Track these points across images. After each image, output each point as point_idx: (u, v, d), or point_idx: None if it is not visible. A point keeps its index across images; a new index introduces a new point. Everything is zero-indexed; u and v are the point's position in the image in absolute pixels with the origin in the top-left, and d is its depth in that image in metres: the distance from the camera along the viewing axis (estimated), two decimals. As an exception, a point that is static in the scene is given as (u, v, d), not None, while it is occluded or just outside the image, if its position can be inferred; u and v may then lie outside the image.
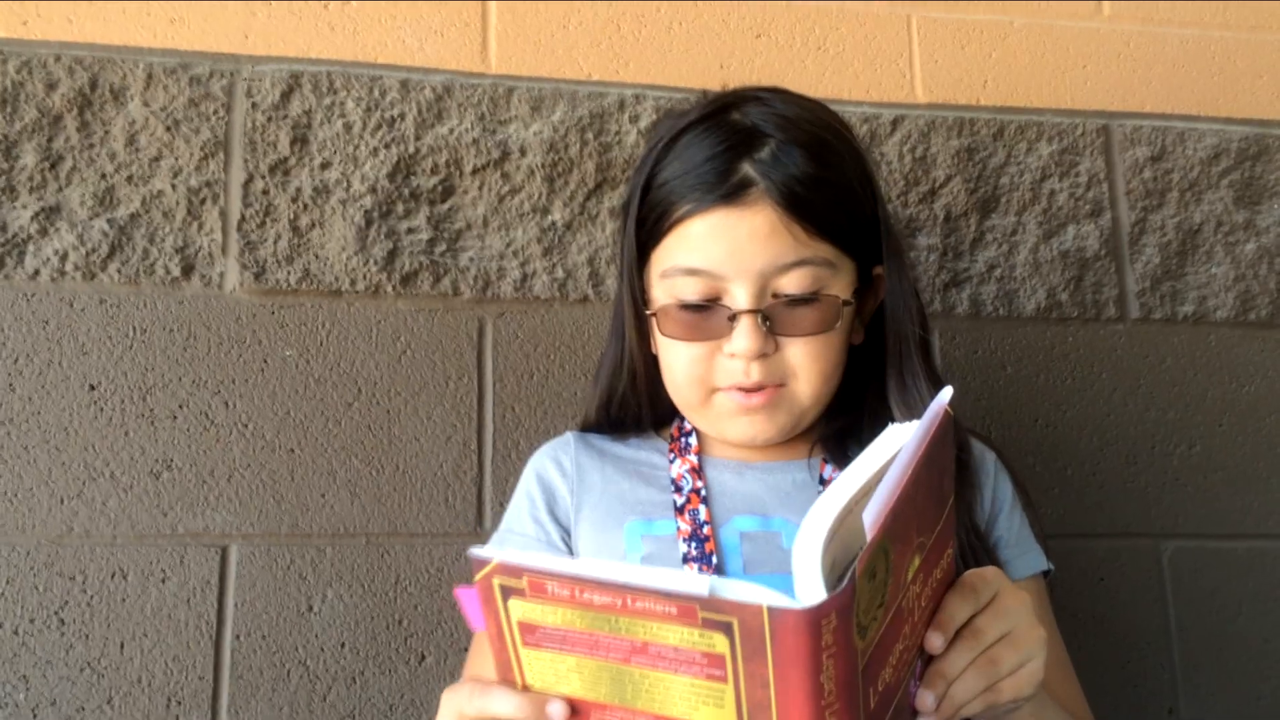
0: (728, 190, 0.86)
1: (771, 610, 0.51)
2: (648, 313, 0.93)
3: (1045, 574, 0.97)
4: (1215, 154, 1.34)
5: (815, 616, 0.51)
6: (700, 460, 0.95)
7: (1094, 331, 1.28)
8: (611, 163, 1.21)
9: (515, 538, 0.95)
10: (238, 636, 1.05)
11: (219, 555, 1.06)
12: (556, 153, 1.20)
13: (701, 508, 0.91)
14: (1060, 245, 1.29)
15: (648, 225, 0.91)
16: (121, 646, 1.03)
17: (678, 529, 0.90)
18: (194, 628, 1.04)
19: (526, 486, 0.98)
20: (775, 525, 0.90)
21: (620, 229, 0.99)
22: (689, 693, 0.55)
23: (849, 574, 0.52)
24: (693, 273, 0.88)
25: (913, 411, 0.91)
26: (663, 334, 0.91)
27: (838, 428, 0.95)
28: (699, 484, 0.93)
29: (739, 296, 0.87)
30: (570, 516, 0.95)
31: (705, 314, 0.89)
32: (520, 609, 0.56)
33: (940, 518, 0.63)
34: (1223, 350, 1.30)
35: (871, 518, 0.55)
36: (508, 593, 0.56)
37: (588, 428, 1.02)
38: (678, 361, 0.91)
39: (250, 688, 1.04)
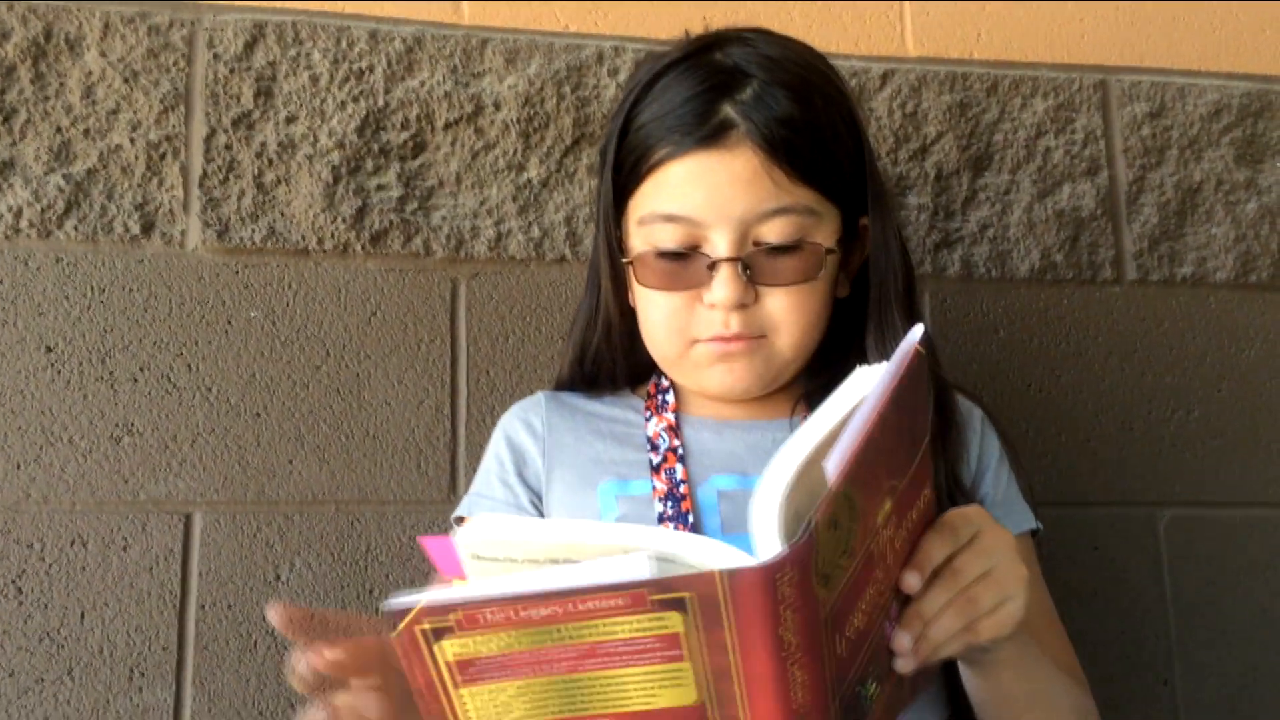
0: (707, 132, 0.86)
1: (726, 574, 0.52)
2: (624, 261, 0.93)
3: (1034, 533, 0.98)
4: (1216, 110, 1.35)
5: (769, 573, 0.52)
6: (678, 418, 0.96)
7: (1089, 294, 1.29)
8: (589, 118, 1.21)
9: (484, 502, 0.96)
10: (202, 606, 1.06)
11: (182, 523, 1.07)
12: (532, 107, 1.20)
13: (678, 466, 0.92)
14: (1055, 204, 1.30)
15: (625, 169, 0.91)
16: (82, 616, 1.04)
17: (654, 488, 0.91)
18: (157, 597, 1.05)
19: (495, 449, 0.99)
20: (754, 484, 0.91)
21: (598, 175, 0.99)
22: (646, 682, 0.56)
23: (806, 525, 0.53)
24: (671, 219, 0.88)
25: None
26: (640, 283, 0.92)
27: (821, 384, 0.95)
28: (676, 442, 0.94)
29: (718, 244, 0.87)
30: (541, 479, 0.95)
31: (684, 262, 0.89)
32: (454, 648, 0.55)
33: (914, 459, 0.63)
34: (1222, 313, 1.31)
35: (834, 466, 0.55)
36: (438, 634, 0.55)
37: (561, 385, 1.02)
38: (656, 312, 0.92)
39: (216, 659, 1.05)
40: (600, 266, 0.97)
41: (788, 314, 0.89)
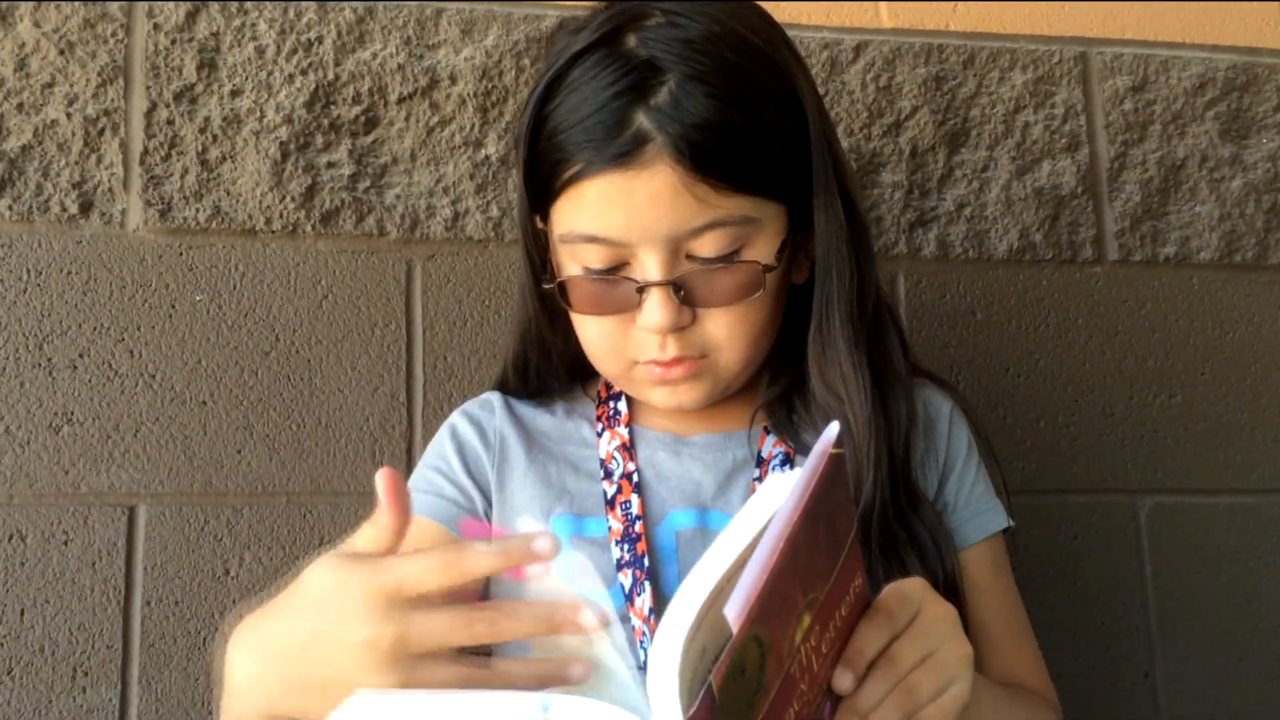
0: (620, 148, 0.84)
1: None
2: (545, 286, 0.94)
3: (1006, 531, 0.99)
4: (1200, 84, 1.41)
5: None
6: (631, 433, 0.97)
7: (1070, 274, 1.35)
8: (550, 91, 1.25)
9: (426, 498, 0.95)
10: (148, 603, 1.10)
11: (126, 516, 1.11)
12: (490, 80, 1.25)
13: (634, 499, 0.93)
14: (1034, 182, 1.35)
15: (540, 179, 0.90)
16: (22, 614, 1.07)
17: (610, 529, 0.92)
18: (100, 593, 1.09)
19: (441, 448, 0.99)
20: (712, 521, 0.93)
21: (517, 170, 0.97)
22: None
23: (705, 689, 0.53)
24: (593, 240, 0.87)
25: (831, 389, 0.91)
26: (568, 307, 0.92)
27: (781, 390, 0.97)
28: (631, 466, 0.95)
29: (648, 265, 0.87)
30: (491, 492, 0.96)
31: (613, 284, 0.88)
32: None
33: (836, 562, 0.64)
34: (1206, 294, 1.38)
35: (734, 612, 0.55)
36: None
37: (506, 387, 1.03)
38: (590, 335, 0.93)
39: (163, 657, 1.09)
40: (526, 282, 0.98)
41: (730, 330, 0.89)
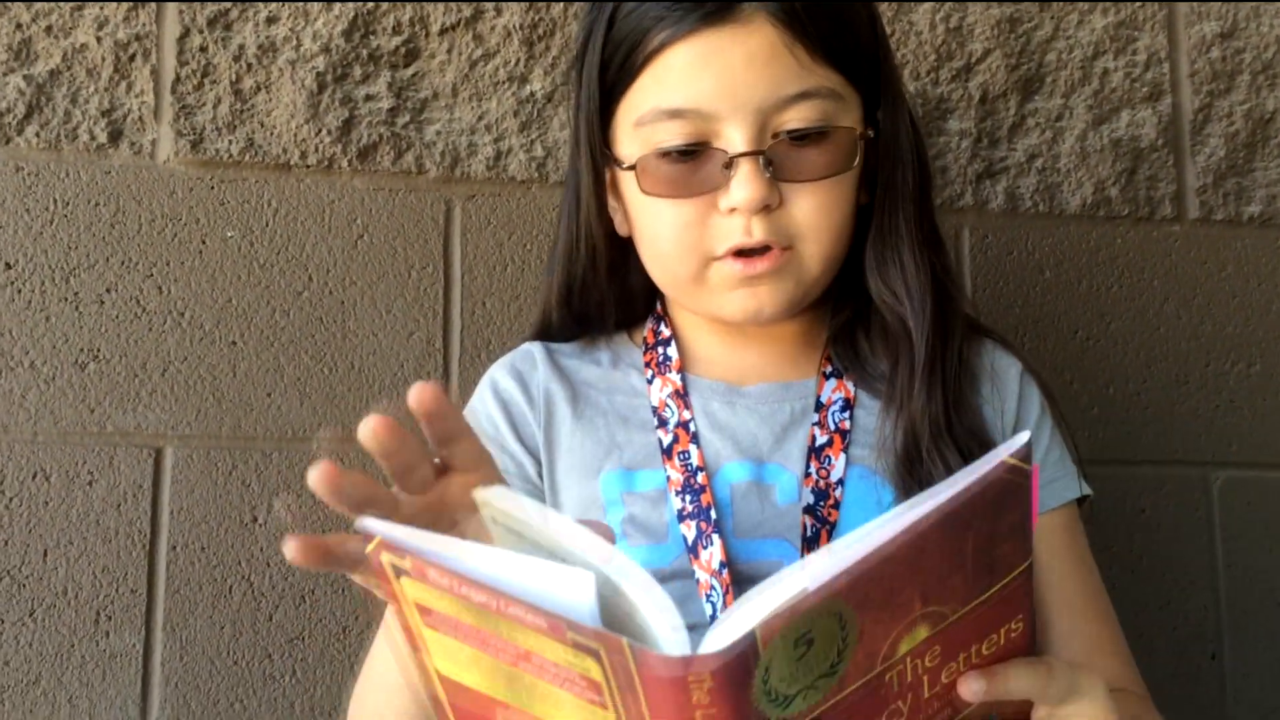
0: (714, 6, 0.86)
1: (633, 647, 0.52)
2: (624, 167, 0.92)
3: (1081, 501, 1.00)
4: (1294, 32, 1.40)
5: (679, 670, 0.52)
6: (684, 381, 0.97)
7: (1146, 232, 1.35)
8: (600, 25, 1.26)
9: None
10: (173, 547, 1.13)
11: (152, 457, 1.14)
12: (537, 12, 1.25)
13: (692, 449, 0.93)
14: (1112, 133, 1.35)
15: (614, 65, 0.91)
16: (45, 554, 1.11)
17: (668, 479, 0.92)
18: (125, 536, 1.12)
19: (485, 409, 0.99)
20: (769, 475, 0.93)
21: (575, 78, 0.98)
22: (577, 712, 0.57)
23: (747, 636, 0.53)
24: (676, 114, 0.88)
25: (889, 286, 0.93)
26: (644, 192, 0.91)
27: (845, 319, 0.98)
28: (686, 415, 0.95)
29: (734, 138, 0.87)
30: (541, 454, 0.96)
31: (695, 163, 0.89)
32: (412, 589, 0.58)
33: (982, 590, 0.62)
34: (1292, 257, 1.37)
35: (815, 580, 0.55)
36: (398, 571, 0.58)
37: (547, 330, 1.03)
38: (664, 228, 0.91)
39: (188, 603, 1.12)
40: (581, 185, 0.96)
41: (817, 216, 0.89)
